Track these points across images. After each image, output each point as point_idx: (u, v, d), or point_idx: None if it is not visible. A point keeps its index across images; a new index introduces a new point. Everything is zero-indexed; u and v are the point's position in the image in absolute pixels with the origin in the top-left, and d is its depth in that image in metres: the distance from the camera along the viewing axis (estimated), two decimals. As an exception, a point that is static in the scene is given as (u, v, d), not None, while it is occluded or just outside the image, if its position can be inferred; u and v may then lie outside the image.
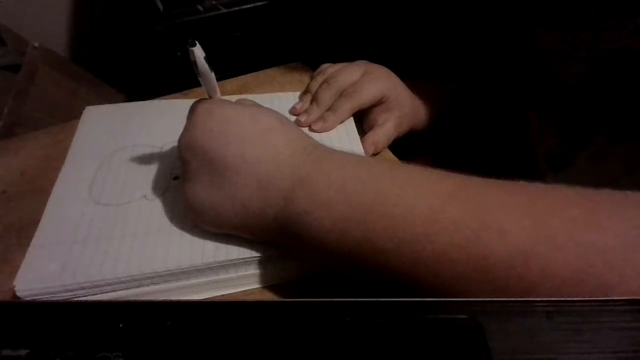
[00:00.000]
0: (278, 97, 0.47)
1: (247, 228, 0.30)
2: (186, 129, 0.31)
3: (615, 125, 0.36)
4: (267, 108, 0.32)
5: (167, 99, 0.48)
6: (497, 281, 0.22)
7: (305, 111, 0.44)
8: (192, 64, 0.30)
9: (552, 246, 0.21)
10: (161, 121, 0.42)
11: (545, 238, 0.21)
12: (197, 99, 0.33)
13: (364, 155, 0.41)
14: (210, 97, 0.33)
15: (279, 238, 0.30)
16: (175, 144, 0.32)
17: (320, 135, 0.42)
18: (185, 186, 0.31)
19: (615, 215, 0.21)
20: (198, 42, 0.29)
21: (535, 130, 0.43)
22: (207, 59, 0.30)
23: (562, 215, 0.22)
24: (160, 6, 0.68)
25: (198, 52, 0.29)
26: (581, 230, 0.21)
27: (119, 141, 0.40)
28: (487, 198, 0.24)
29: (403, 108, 0.45)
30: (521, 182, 0.25)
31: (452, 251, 0.23)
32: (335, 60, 0.48)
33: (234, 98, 0.48)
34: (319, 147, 0.31)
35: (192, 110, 0.32)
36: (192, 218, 0.32)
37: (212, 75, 0.31)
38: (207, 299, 0.31)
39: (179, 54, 0.69)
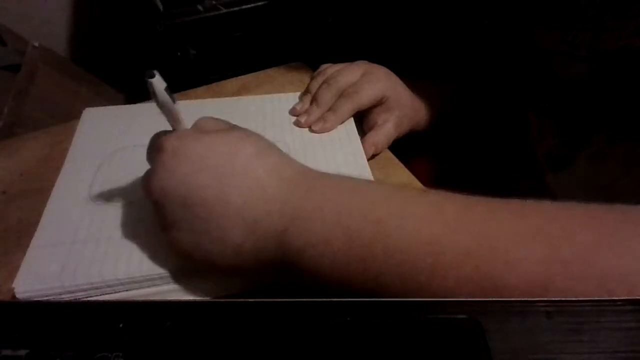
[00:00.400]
0: (278, 98, 0.47)
1: (242, 271, 0.29)
2: (155, 172, 0.28)
3: (615, 125, 0.36)
4: (239, 133, 0.30)
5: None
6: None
7: (306, 112, 0.44)
8: (151, 94, 0.27)
9: (571, 277, 0.20)
10: (161, 122, 0.42)
11: (562, 268, 0.20)
12: (158, 132, 0.30)
13: (364, 154, 0.41)
14: (173, 129, 0.30)
15: (278, 276, 0.28)
16: None
17: (321, 135, 0.42)
18: (169, 236, 0.29)
19: (630, 234, 0.21)
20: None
21: (535, 130, 0.43)
22: (168, 88, 0.28)
23: (576, 241, 0.21)
24: (160, 6, 0.68)
25: (158, 84, 0.27)
26: (598, 256, 0.20)
27: (119, 142, 0.41)
28: (494, 224, 0.23)
29: (403, 108, 0.45)
30: (528, 202, 0.24)
31: (461, 284, 0.22)
32: (335, 60, 0.48)
33: (227, 101, 0.48)
34: (307, 173, 0.29)
35: (157, 148, 0.28)
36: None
37: (175, 106, 0.29)
38: (207, 299, 0.31)
39: (179, 54, 0.69)
